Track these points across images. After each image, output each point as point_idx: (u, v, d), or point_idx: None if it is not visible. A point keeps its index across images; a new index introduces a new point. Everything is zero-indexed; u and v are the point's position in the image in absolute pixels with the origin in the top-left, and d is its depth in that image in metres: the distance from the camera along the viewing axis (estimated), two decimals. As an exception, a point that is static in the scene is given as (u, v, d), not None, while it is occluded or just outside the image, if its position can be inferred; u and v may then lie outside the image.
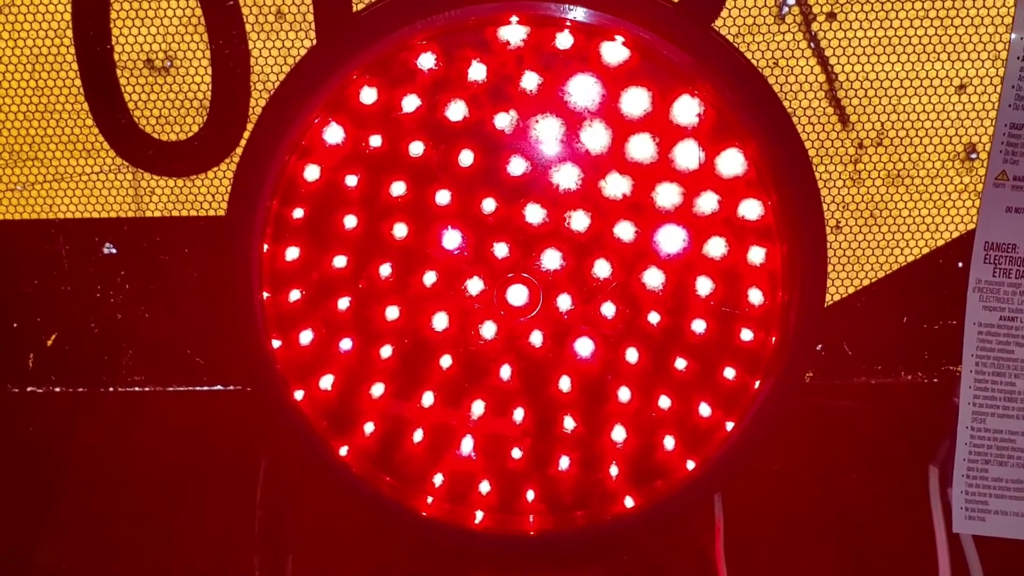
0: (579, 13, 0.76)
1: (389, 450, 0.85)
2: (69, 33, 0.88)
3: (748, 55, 0.89)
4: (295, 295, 0.82)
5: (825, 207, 0.92)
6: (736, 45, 0.87)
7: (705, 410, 0.84)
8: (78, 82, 0.91)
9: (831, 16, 0.88)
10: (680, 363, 0.85)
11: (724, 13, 0.88)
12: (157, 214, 0.93)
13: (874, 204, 0.93)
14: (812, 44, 0.89)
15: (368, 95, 0.80)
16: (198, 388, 0.97)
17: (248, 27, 0.88)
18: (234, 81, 0.88)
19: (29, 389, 1.00)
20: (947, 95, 0.89)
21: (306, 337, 0.84)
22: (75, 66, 0.90)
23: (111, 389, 0.99)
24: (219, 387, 0.97)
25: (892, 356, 0.95)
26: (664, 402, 0.85)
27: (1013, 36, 0.83)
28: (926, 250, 0.92)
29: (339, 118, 0.81)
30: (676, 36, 0.78)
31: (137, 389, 0.99)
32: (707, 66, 0.78)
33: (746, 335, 0.84)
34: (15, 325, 0.98)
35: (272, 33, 0.88)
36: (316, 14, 0.85)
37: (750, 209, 0.82)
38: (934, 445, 0.91)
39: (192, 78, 0.90)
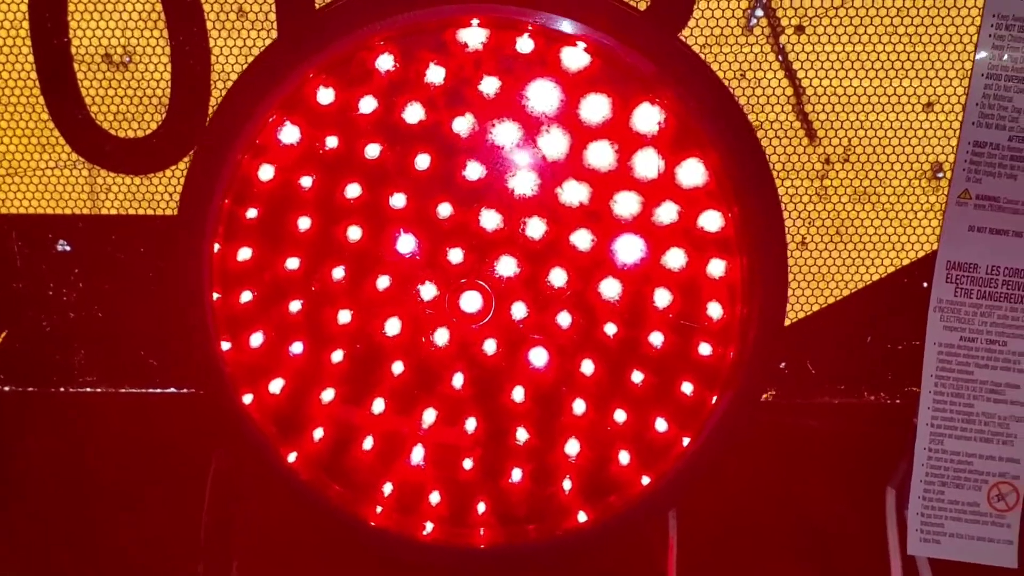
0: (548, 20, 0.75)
1: (338, 457, 0.84)
2: (25, 25, 0.87)
3: (715, 66, 0.88)
4: (246, 296, 0.81)
5: (791, 223, 0.91)
6: (702, 56, 0.85)
7: (661, 425, 0.83)
8: (34, 75, 0.90)
9: (799, 29, 0.87)
10: (637, 376, 0.83)
11: (691, 23, 0.87)
12: (113, 212, 0.91)
13: (840, 221, 0.91)
14: (780, 57, 0.88)
15: (325, 95, 0.79)
16: (150, 390, 0.96)
17: (209, 24, 0.87)
18: (194, 78, 0.86)
19: (-22, 388, 0.98)
20: (915, 112, 0.87)
21: (256, 339, 0.82)
22: (31, 59, 0.89)
23: (62, 389, 0.97)
24: (172, 390, 0.95)
25: (855, 376, 0.94)
26: (620, 416, 0.83)
27: (978, 55, 0.82)
28: (892, 269, 0.90)
29: (295, 118, 0.79)
30: (639, 43, 0.77)
31: (88, 390, 0.97)
32: (670, 74, 0.77)
33: (704, 349, 0.82)
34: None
35: (234, 31, 0.87)
36: (278, 12, 0.84)
37: (710, 220, 0.80)
38: (893, 466, 0.90)
39: (151, 74, 0.89)
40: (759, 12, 0.86)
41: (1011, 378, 0.82)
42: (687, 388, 0.83)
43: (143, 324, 0.94)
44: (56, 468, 0.92)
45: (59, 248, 0.93)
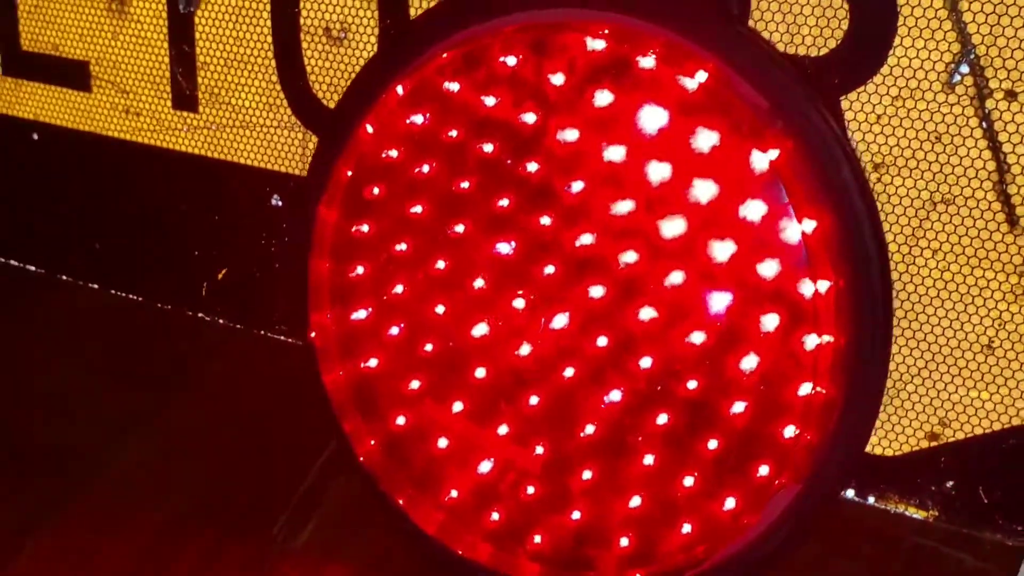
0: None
1: (413, 449, 0.83)
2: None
3: (907, 122, 0.77)
4: (359, 270, 0.82)
5: (978, 321, 0.78)
6: (892, 109, 0.75)
7: (729, 501, 0.74)
8: (271, 39, 0.97)
9: (1011, 95, 0.74)
10: (712, 443, 0.75)
11: (884, 70, 0.77)
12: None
13: (1039, 330, 0.77)
14: (984, 124, 0.75)
15: (452, 85, 0.79)
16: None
17: (412, 10, 0.90)
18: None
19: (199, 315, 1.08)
20: None
21: (360, 314, 0.83)
22: (269, 23, 0.97)
23: (261, 332, 1.04)
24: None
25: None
26: (687, 481, 0.75)
27: None
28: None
29: (423, 103, 0.79)
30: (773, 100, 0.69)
31: (281, 338, 1.03)
32: (785, 120, 0.68)
33: (788, 430, 0.72)
34: (196, 253, 1.06)
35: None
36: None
37: (807, 287, 0.70)
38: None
39: (361, 50, 0.93)
40: (964, 68, 0.74)
41: None
42: (761, 467, 0.73)
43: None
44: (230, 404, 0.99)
45: (273, 202, 1.00)
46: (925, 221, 0.79)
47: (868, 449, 0.85)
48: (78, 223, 1.12)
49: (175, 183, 1.06)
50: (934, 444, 0.82)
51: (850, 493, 0.86)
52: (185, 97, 1.02)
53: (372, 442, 0.82)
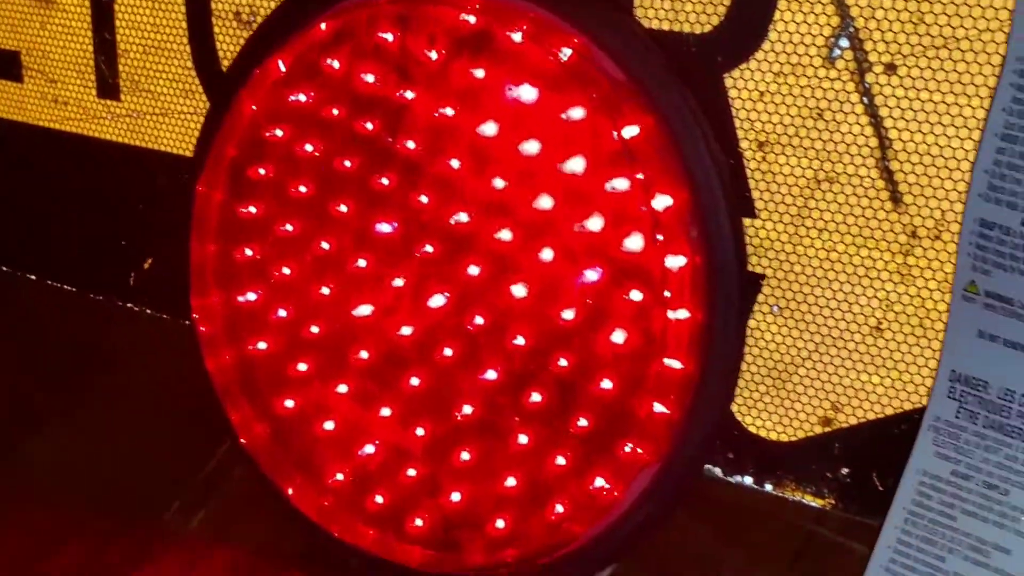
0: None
1: (300, 433, 0.83)
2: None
3: (789, 99, 0.75)
4: (247, 252, 0.82)
5: (866, 302, 0.76)
6: (775, 86, 0.74)
7: (598, 480, 0.73)
8: (184, 24, 0.97)
9: (890, 68, 0.72)
10: (582, 421, 0.74)
11: (766, 45, 0.76)
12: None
13: (925, 310, 0.75)
14: (865, 100, 0.74)
15: (334, 62, 0.78)
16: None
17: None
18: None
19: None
20: None
21: (250, 296, 0.83)
22: (184, 8, 0.97)
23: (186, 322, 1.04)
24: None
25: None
26: (560, 460, 0.74)
27: (994, 108, 0.63)
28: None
29: (306, 82, 0.79)
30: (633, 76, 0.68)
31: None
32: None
33: (650, 407, 0.71)
34: (123, 243, 1.07)
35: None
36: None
37: (667, 262, 0.69)
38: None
39: (268, 37, 0.93)
40: (843, 42, 0.73)
41: (1003, 538, 0.61)
42: (626, 444, 0.72)
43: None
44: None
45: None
46: (810, 200, 0.77)
47: (764, 435, 0.83)
48: (11, 213, 1.13)
49: (102, 172, 1.07)
50: (827, 430, 0.80)
51: (748, 480, 0.84)
52: (108, 85, 1.03)
53: (257, 426, 0.81)
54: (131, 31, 1.00)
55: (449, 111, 0.72)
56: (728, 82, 0.78)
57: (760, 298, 0.81)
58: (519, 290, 0.73)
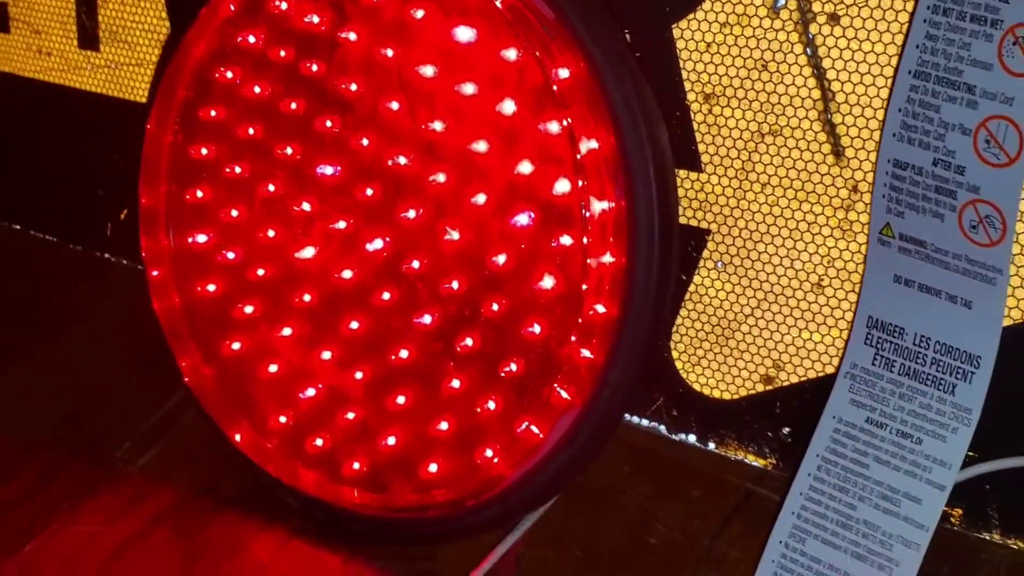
0: None
1: (243, 374, 0.83)
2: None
3: (735, 50, 0.75)
4: (199, 194, 0.83)
5: (808, 258, 0.76)
6: (721, 36, 0.73)
7: (524, 424, 0.73)
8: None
9: (834, 18, 0.72)
10: (512, 366, 0.74)
11: (711, -5, 0.76)
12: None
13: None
14: (808, 51, 0.73)
15: (281, 3, 0.79)
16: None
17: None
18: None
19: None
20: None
21: (200, 239, 0.84)
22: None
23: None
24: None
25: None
26: (490, 404, 0.74)
27: (907, 46, 0.62)
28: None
29: (256, 23, 0.80)
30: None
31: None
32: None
33: (576, 351, 0.71)
34: (100, 192, 1.08)
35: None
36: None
37: (593, 207, 0.69)
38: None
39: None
40: (787, -8, 0.73)
41: (914, 487, 0.61)
42: (552, 388, 0.72)
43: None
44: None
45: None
46: (754, 154, 0.77)
47: (707, 393, 0.83)
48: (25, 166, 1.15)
49: (82, 123, 1.08)
50: (769, 388, 0.80)
51: (691, 438, 0.84)
52: (88, 36, 1.04)
53: (204, 368, 0.82)
54: (109, -18, 1.01)
55: (388, 52, 0.72)
56: (675, 32, 0.77)
57: (705, 254, 0.80)
58: (454, 234, 0.72)
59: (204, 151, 0.81)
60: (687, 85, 0.78)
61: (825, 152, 0.74)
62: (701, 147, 0.78)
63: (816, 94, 0.73)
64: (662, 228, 0.66)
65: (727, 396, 0.81)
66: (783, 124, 0.75)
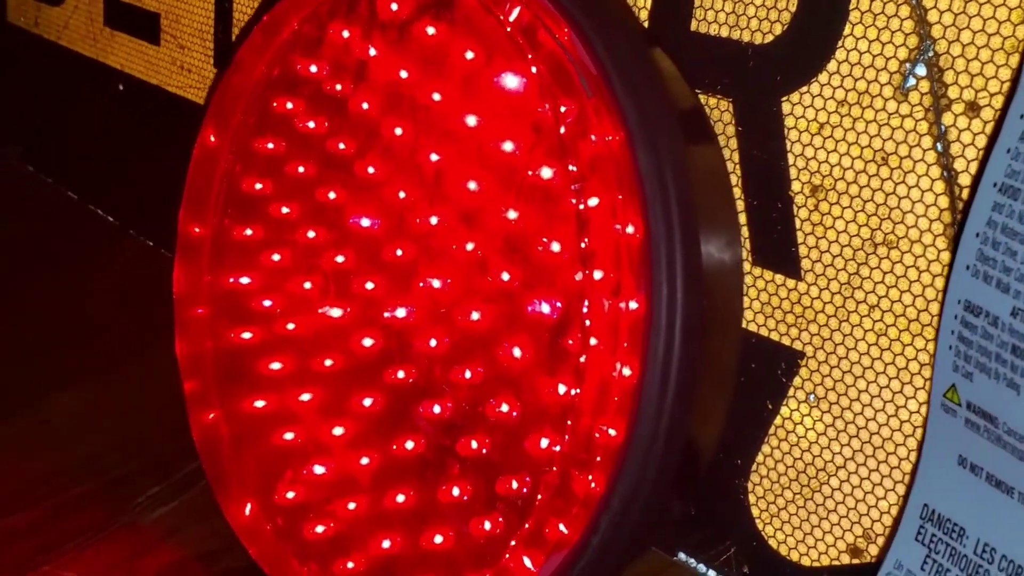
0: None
1: (263, 437, 0.74)
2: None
3: (852, 135, 0.61)
4: (247, 232, 0.75)
5: (917, 406, 0.60)
6: (836, 117, 0.59)
7: (521, 554, 0.60)
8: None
9: (973, 108, 0.57)
10: (514, 483, 0.61)
11: (831, 66, 0.61)
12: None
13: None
14: (939, 144, 0.58)
15: (342, 33, 0.70)
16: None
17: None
18: None
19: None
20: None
21: (244, 280, 0.76)
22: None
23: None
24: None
25: None
26: (487, 524, 0.62)
27: (995, 150, 0.45)
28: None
29: (317, 54, 0.71)
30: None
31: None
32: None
33: (585, 481, 0.58)
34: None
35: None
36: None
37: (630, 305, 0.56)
38: None
39: None
40: (920, 70, 0.58)
41: None
42: (558, 525, 0.59)
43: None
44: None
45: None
46: (863, 267, 0.61)
47: (784, 554, 0.67)
48: (147, 178, 1.11)
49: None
50: (855, 563, 0.64)
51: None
52: (224, 55, 0.99)
53: (222, 425, 0.73)
54: (246, 1, 0.95)
55: (436, 96, 0.61)
56: (785, 107, 0.63)
57: (796, 381, 0.65)
58: (475, 315, 0.60)
59: (258, 186, 0.72)
60: (792, 172, 0.63)
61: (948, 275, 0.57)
62: (803, 250, 0.63)
63: (944, 201, 0.57)
64: (685, 339, 0.52)
65: (806, 562, 0.65)
66: (900, 234, 0.59)
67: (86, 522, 0.78)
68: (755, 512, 0.68)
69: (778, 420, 0.66)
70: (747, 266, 0.65)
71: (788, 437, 0.65)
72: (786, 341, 0.65)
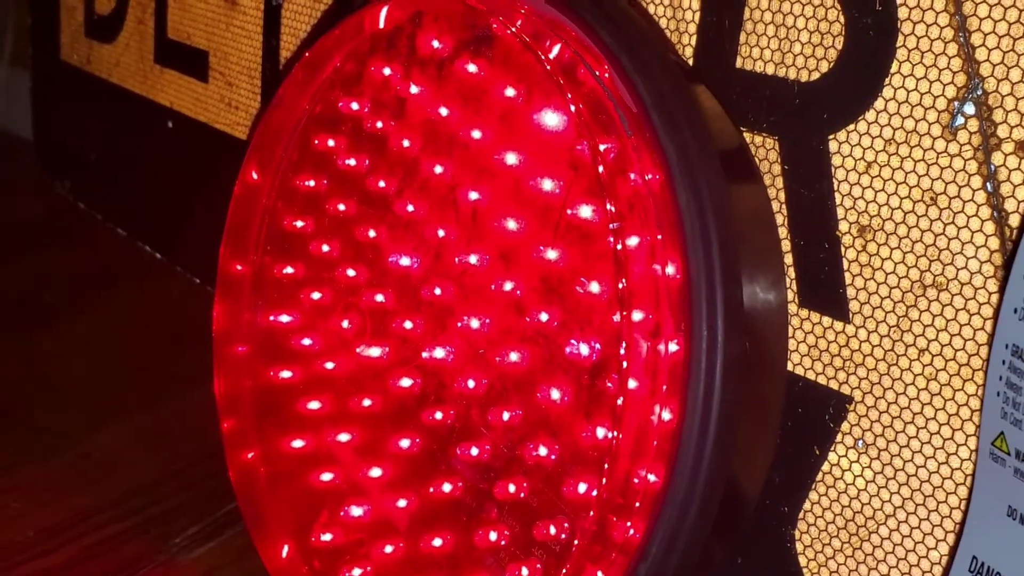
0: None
1: (298, 477, 0.74)
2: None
3: (899, 175, 0.59)
4: (287, 269, 0.75)
5: (968, 453, 0.59)
6: (884, 156, 0.58)
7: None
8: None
9: (1023, 148, 0.55)
10: (552, 529, 0.60)
11: (878, 103, 0.60)
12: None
13: None
14: (989, 186, 0.56)
15: (382, 69, 0.70)
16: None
17: None
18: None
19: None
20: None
21: (283, 318, 0.76)
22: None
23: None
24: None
25: None
26: (524, 571, 0.61)
27: None
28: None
29: (356, 92, 0.71)
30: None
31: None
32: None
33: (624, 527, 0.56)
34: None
35: None
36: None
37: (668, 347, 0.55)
38: None
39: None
40: (969, 108, 0.56)
41: None
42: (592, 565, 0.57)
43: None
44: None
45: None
46: (912, 309, 0.59)
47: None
48: (195, 215, 1.12)
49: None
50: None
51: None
52: (270, 94, 0.99)
53: (260, 466, 0.72)
54: (293, 39, 0.96)
55: (476, 134, 0.60)
56: (832, 145, 0.61)
57: (844, 427, 0.63)
58: (513, 356, 0.59)
59: (299, 223, 0.72)
60: (840, 212, 0.61)
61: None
62: (851, 291, 0.61)
63: (994, 243, 0.55)
64: (726, 382, 0.50)
65: (853, 616, 0.63)
66: (950, 276, 0.57)
67: (123, 561, 0.78)
68: (803, 561, 0.66)
69: (826, 466, 0.64)
70: (793, 308, 0.63)
71: (836, 484, 0.63)
72: (834, 385, 0.63)
